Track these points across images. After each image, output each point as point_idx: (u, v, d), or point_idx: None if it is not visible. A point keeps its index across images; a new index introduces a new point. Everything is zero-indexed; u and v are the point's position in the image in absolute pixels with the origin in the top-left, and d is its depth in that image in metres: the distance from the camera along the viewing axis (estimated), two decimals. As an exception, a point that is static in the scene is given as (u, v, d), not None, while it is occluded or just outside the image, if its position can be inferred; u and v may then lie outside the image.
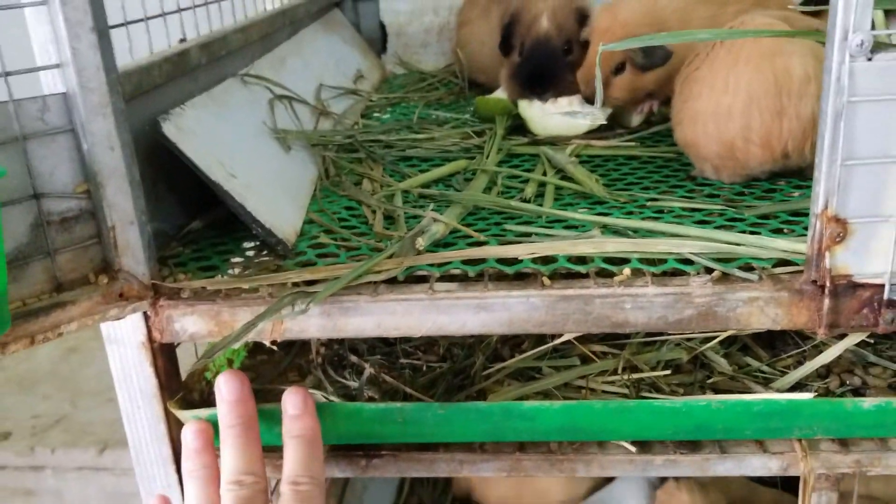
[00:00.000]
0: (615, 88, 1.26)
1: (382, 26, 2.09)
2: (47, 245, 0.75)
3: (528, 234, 0.93)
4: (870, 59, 0.69)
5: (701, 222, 0.94)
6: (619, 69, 1.25)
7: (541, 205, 1.06)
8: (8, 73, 0.70)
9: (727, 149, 1.02)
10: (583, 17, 1.44)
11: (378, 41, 2.10)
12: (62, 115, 0.74)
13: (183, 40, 1.09)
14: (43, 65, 0.73)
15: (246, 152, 1.02)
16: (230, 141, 0.99)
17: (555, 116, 1.36)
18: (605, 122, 1.17)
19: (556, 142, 1.34)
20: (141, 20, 0.97)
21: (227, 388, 0.81)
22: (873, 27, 0.69)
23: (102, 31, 0.74)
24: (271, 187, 1.01)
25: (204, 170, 0.86)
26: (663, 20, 1.23)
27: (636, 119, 1.36)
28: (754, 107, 0.99)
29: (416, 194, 1.13)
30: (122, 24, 0.91)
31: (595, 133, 1.35)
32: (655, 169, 1.18)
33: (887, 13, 0.76)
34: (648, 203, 1.01)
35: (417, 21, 2.07)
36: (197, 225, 1.01)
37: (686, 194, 1.05)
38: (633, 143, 1.29)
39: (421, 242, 0.88)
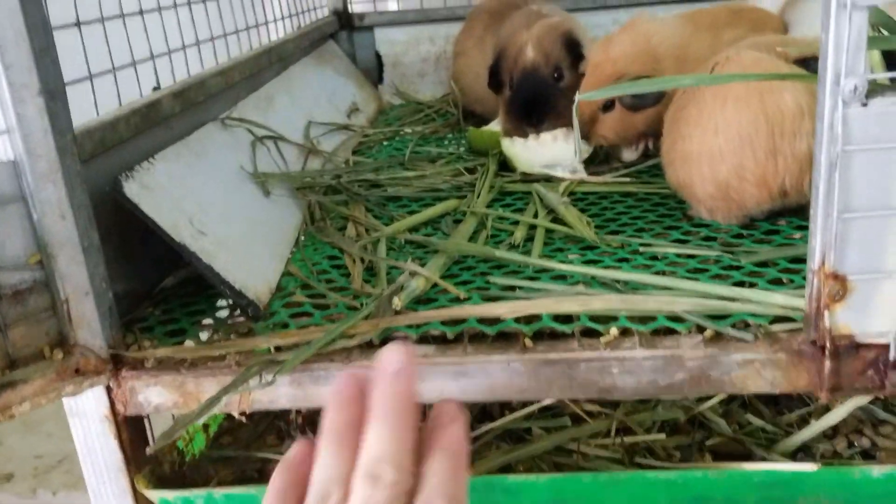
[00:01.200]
0: (604, 126, 1.22)
1: (378, 56, 2.06)
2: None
3: (513, 287, 0.88)
4: (865, 105, 0.64)
5: (696, 270, 0.89)
6: (609, 106, 1.21)
7: (530, 250, 1.01)
8: (-52, 144, 0.67)
9: (722, 190, 0.97)
10: (571, 43, 1.40)
11: (374, 71, 2.06)
12: (11, 182, 0.70)
13: (157, 88, 1.06)
14: (-12, 132, 0.69)
15: (221, 203, 0.98)
16: (203, 192, 0.96)
17: (540, 153, 1.31)
18: (584, 177, 1.11)
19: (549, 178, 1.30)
20: (108, 71, 0.94)
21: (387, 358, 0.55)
22: (869, 69, 0.64)
23: (53, 91, 0.71)
24: (247, 241, 0.97)
25: (168, 230, 0.82)
26: (657, 56, 1.18)
27: (631, 154, 1.31)
28: (747, 147, 0.94)
29: (402, 240, 1.09)
30: (84, 79, 0.88)
31: (589, 168, 1.30)
32: (650, 207, 1.13)
33: (885, 53, 0.71)
34: (641, 249, 0.96)
35: (414, 51, 2.04)
36: (170, 282, 0.97)
37: (681, 237, 1.00)
38: (627, 179, 1.24)
39: (398, 302, 0.84)
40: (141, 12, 1.03)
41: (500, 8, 1.70)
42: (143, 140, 0.95)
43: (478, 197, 1.23)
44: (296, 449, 0.56)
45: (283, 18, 1.70)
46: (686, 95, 1.01)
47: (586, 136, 1.23)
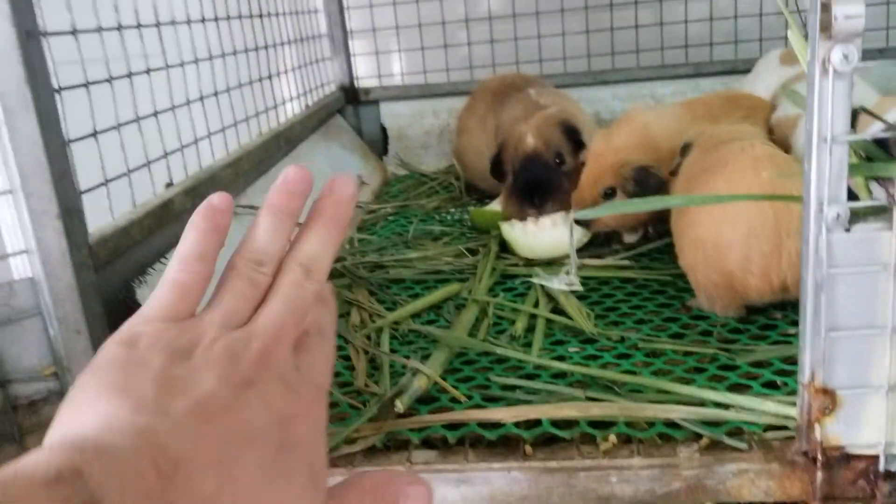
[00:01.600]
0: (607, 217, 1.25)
1: (384, 129, 2.11)
2: (13, 430, 0.73)
3: (513, 387, 0.91)
4: (848, 231, 0.67)
5: (693, 370, 0.92)
6: (610, 194, 1.24)
7: (530, 342, 1.04)
8: (-28, 266, 0.70)
9: (726, 278, 0.99)
10: (569, 130, 1.44)
11: (380, 143, 2.11)
12: (30, 298, 0.73)
13: (170, 184, 1.10)
14: (11, 248, 0.73)
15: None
16: (209, 292, 0.98)
17: (539, 237, 1.34)
18: (580, 289, 1.15)
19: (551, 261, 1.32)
20: (122, 175, 0.97)
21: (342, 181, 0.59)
22: (851, 196, 0.67)
23: (71, 209, 0.74)
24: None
25: None
26: (656, 145, 1.22)
27: (631, 237, 1.34)
28: (753, 241, 0.97)
29: (405, 329, 1.11)
30: (99, 185, 0.91)
31: (590, 250, 1.33)
32: (650, 295, 1.16)
33: (867, 178, 0.74)
34: (640, 344, 0.98)
35: (417, 124, 2.09)
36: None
37: (680, 329, 1.03)
38: (628, 263, 1.27)
39: (400, 405, 0.86)
40: (155, 114, 1.06)
41: (501, 88, 1.75)
42: (156, 239, 0.99)
43: (479, 281, 1.26)
44: (220, 198, 0.57)
45: (292, 99, 1.75)
46: (698, 175, 1.04)
47: (587, 223, 1.27)
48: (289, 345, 0.52)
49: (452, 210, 1.72)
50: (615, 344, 1.00)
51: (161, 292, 0.54)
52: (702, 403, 0.83)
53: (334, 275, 1.31)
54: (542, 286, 1.20)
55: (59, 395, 0.75)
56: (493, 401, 0.89)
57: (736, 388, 0.87)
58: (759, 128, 1.28)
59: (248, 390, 0.50)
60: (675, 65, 1.96)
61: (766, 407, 0.80)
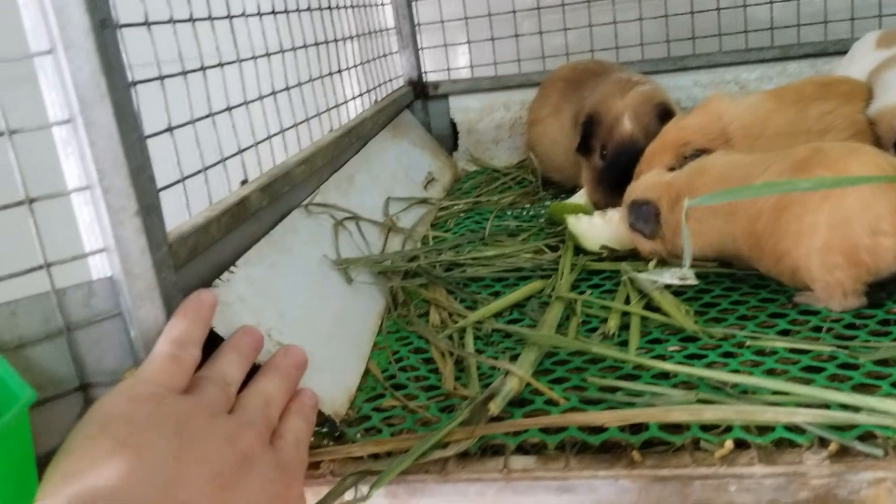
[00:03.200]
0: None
1: (453, 124, 2.06)
2: (95, 436, 0.70)
3: (612, 389, 0.84)
4: None
5: (809, 369, 0.84)
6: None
7: (625, 341, 0.97)
8: (50, 264, 0.67)
9: (850, 254, 0.91)
10: (665, 114, 1.37)
11: (449, 139, 2.06)
12: (109, 299, 0.70)
13: (245, 181, 1.07)
14: (89, 247, 0.70)
15: (303, 304, 0.97)
16: (286, 296, 0.95)
17: (606, 231, 1.27)
18: (694, 282, 1.05)
19: (635, 255, 1.26)
20: (199, 172, 0.94)
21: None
22: None
23: (149, 207, 0.71)
24: (327, 343, 0.96)
25: None
26: (726, 133, 1.16)
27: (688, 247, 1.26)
28: (881, 193, 0.90)
29: (489, 329, 1.06)
30: (176, 182, 0.88)
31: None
32: (750, 290, 1.08)
33: None
34: (748, 343, 0.91)
35: (488, 118, 2.03)
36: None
37: (788, 326, 0.95)
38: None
39: (493, 408, 0.80)
40: (229, 108, 1.03)
41: (576, 76, 1.69)
42: (234, 237, 0.95)
43: (561, 278, 1.20)
44: (207, 294, 0.74)
45: (360, 95, 1.71)
46: (786, 174, 0.97)
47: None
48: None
49: (528, 206, 1.66)
50: (719, 342, 0.93)
51: (160, 363, 0.66)
52: (826, 406, 0.75)
53: (410, 274, 1.26)
54: (632, 282, 1.13)
55: (141, 399, 0.72)
56: (591, 403, 0.83)
57: (861, 388, 0.79)
58: (860, 116, 1.19)
59: (251, 465, 0.62)
60: (759, 48, 1.86)
61: (903, 410, 0.72)
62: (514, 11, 1.99)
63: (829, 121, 1.15)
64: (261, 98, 1.14)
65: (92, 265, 0.71)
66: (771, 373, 0.84)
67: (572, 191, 1.67)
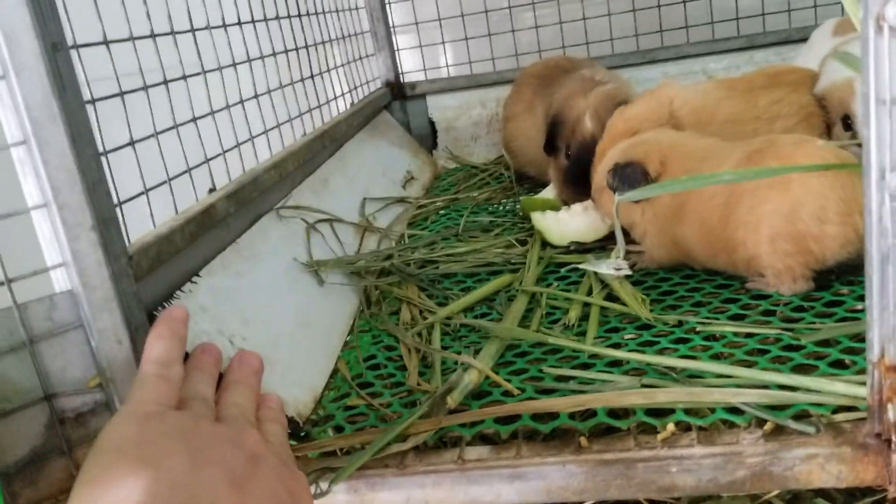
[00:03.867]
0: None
1: (432, 123, 2.09)
2: (63, 443, 0.73)
3: (567, 378, 0.87)
4: (914, 197, 0.62)
5: (755, 352, 0.87)
6: None
7: (584, 331, 1.00)
8: (11, 280, 0.70)
9: (798, 241, 0.94)
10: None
11: (429, 137, 2.10)
12: (71, 311, 0.73)
13: (213, 190, 1.10)
14: (50, 262, 0.73)
15: (269, 309, 1.00)
16: (250, 302, 0.98)
17: (571, 224, 1.31)
18: (629, 272, 1.09)
19: (603, 245, 1.29)
20: (163, 183, 0.97)
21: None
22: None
23: (107, 220, 0.74)
24: (293, 346, 0.99)
25: None
26: (677, 118, 1.18)
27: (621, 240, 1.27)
28: (828, 186, 0.93)
29: (457, 324, 1.09)
30: (140, 194, 0.91)
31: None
32: (708, 277, 1.11)
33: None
34: (698, 328, 0.94)
35: (465, 115, 2.06)
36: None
37: (740, 311, 0.98)
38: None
39: (451, 401, 0.84)
40: (194, 119, 1.06)
41: (547, 72, 1.71)
42: (201, 245, 0.98)
43: (528, 271, 1.23)
44: (178, 310, 0.77)
45: (337, 98, 1.74)
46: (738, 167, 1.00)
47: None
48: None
49: (504, 200, 1.69)
50: (672, 329, 0.96)
51: (153, 383, 0.69)
52: (765, 386, 0.78)
53: (383, 273, 1.30)
54: (596, 273, 1.16)
55: (106, 406, 0.75)
56: (546, 393, 0.86)
57: (801, 369, 0.82)
58: (807, 101, 1.21)
59: (260, 462, 0.65)
60: (726, 38, 1.88)
61: (835, 388, 0.75)
62: (486, 11, 2.02)
63: (777, 109, 1.18)
64: (227, 107, 1.17)
65: (54, 279, 0.74)
66: (718, 357, 0.87)
67: (547, 185, 1.71)
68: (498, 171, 1.90)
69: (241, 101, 1.22)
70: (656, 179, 1.04)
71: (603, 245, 1.29)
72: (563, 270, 1.23)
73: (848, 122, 1.14)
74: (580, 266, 1.15)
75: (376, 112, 1.96)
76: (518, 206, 1.59)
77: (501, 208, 1.64)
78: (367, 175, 1.66)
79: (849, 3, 0.72)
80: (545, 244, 1.34)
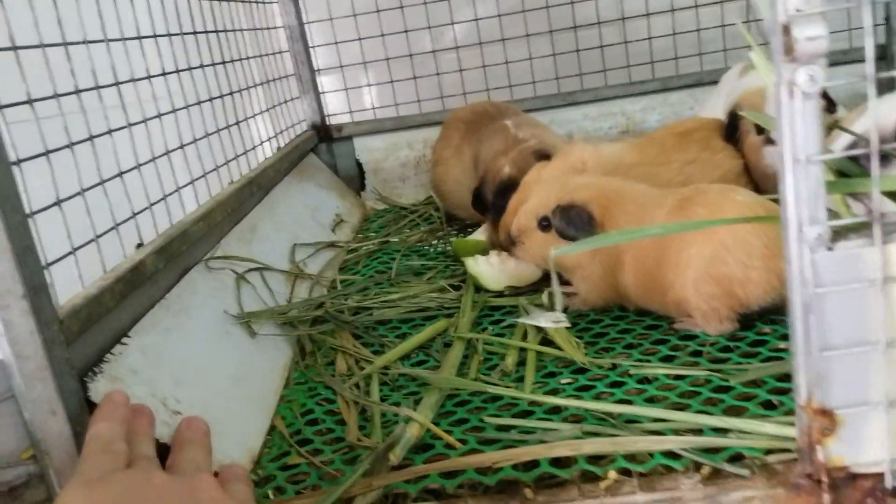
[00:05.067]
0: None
1: (359, 164, 2.10)
2: (-7, 520, 0.70)
3: (507, 427, 0.89)
4: (831, 249, 0.66)
5: (687, 394, 0.90)
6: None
7: (522, 377, 1.02)
8: (-63, 354, 0.67)
9: (724, 286, 0.98)
10: (542, 155, 1.45)
11: (356, 179, 2.10)
12: (2, 382, 0.70)
13: (140, 245, 1.07)
14: (-22, 332, 0.70)
15: (200, 367, 0.98)
16: (181, 362, 0.96)
17: (503, 269, 1.34)
18: (566, 324, 1.10)
19: (536, 288, 1.31)
20: (91, 241, 0.95)
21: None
22: (831, 215, 0.66)
23: (37, 286, 0.72)
24: (227, 404, 0.97)
25: None
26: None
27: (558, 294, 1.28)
28: (753, 232, 0.97)
29: (395, 374, 1.09)
30: (67, 255, 0.89)
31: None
32: (637, 318, 1.14)
33: (844, 195, 0.73)
34: (632, 371, 0.97)
35: (393, 156, 2.07)
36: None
37: (669, 352, 1.01)
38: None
39: (394, 457, 0.83)
40: (120, 174, 1.04)
41: (474, 118, 1.75)
42: (129, 303, 0.96)
43: (463, 316, 1.24)
44: (119, 394, 0.76)
45: (262, 143, 1.73)
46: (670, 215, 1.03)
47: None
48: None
49: (434, 242, 1.70)
50: (607, 372, 0.99)
51: (96, 455, 0.66)
52: (700, 430, 0.81)
53: (316, 321, 1.29)
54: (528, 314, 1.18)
55: (40, 478, 0.73)
56: (488, 443, 0.86)
57: (732, 410, 0.85)
58: (720, 159, 1.28)
59: None
60: (642, 81, 1.96)
61: (766, 429, 0.78)
62: (411, 55, 2.05)
63: (689, 171, 1.23)
64: (153, 159, 1.15)
65: (-17, 347, 0.71)
66: (652, 400, 0.90)
67: (477, 226, 1.73)
68: (427, 211, 1.92)
69: (167, 152, 1.20)
70: (600, 224, 1.07)
71: (536, 288, 1.32)
72: (497, 314, 1.25)
73: (761, 128, 1.21)
74: (519, 320, 1.16)
75: (303, 156, 1.95)
76: (450, 248, 1.61)
77: (432, 250, 1.65)
78: (296, 220, 1.66)
79: (761, 64, 0.76)
80: (478, 288, 1.35)
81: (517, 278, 1.33)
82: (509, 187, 1.40)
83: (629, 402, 0.89)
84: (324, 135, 2.08)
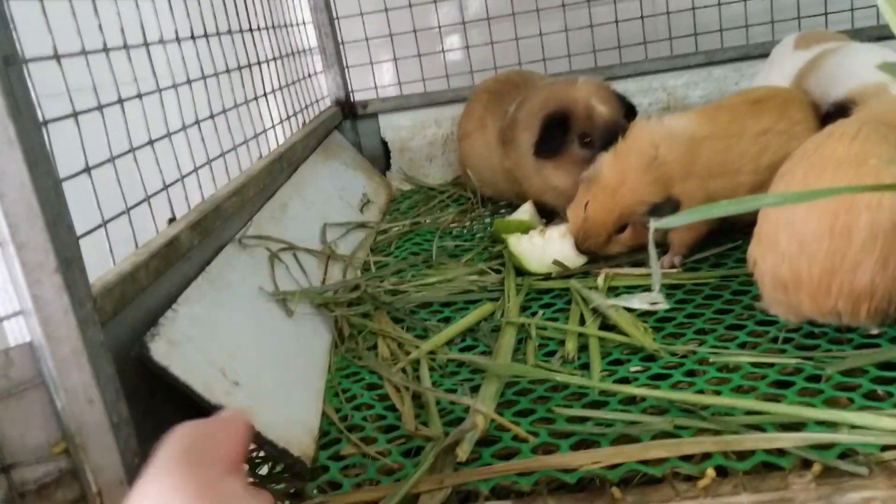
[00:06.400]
0: (616, 245, 1.19)
1: (384, 143, 2.01)
2: (22, 522, 0.62)
3: (582, 419, 0.81)
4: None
5: (778, 384, 0.82)
6: (622, 229, 1.17)
7: (586, 364, 0.94)
8: (-40, 334, 0.59)
9: (782, 287, 0.89)
10: (621, 99, 1.40)
11: (381, 159, 2.01)
12: (30, 366, 0.63)
13: (172, 219, 0.99)
14: (3, 310, 0.62)
15: (250, 339, 0.91)
16: (231, 331, 0.88)
17: (547, 250, 1.25)
18: (665, 305, 1.03)
19: (586, 271, 1.23)
20: (122, 213, 0.87)
21: None
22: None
23: (70, 260, 0.63)
24: (281, 380, 0.90)
25: (202, 393, 0.74)
26: (664, 171, 1.14)
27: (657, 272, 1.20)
28: (804, 259, 0.84)
29: (443, 359, 1.01)
30: (97, 227, 0.81)
31: (622, 259, 1.25)
32: (704, 301, 1.06)
33: None
34: (711, 359, 0.89)
35: (420, 135, 1.99)
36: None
37: (748, 338, 0.93)
38: (674, 270, 1.17)
39: (462, 453, 0.75)
40: (151, 142, 0.96)
41: (498, 87, 1.66)
42: (165, 281, 0.88)
43: (509, 301, 1.16)
44: None
45: (282, 120, 1.64)
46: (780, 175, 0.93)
47: (594, 253, 1.21)
48: None
49: (467, 224, 1.62)
50: (681, 360, 0.91)
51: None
52: (802, 423, 0.73)
53: (353, 303, 1.21)
54: (583, 299, 1.10)
55: (73, 474, 0.65)
56: (561, 436, 0.78)
57: (833, 402, 0.77)
58: (796, 127, 1.17)
59: None
60: (684, 55, 1.87)
61: (882, 423, 0.70)
62: (440, 27, 1.96)
63: (764, 142, 1.14)
64: (184, 128, 1.07)
65: (8, 330, 0.63)
66: (739, 390, 0.82)
67: (509, 205, 1.65)
68: (457, 192, 1.83)
69: (198, 122, 1.12)
70: None
71: (586, 272, 1.24)
72: (546, 298, 1.16)
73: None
74: (609, 301, 1.06)
75: (328, 133, 1.86)
76: (486, 230, 1.53)
77: (466, 232, 1.56)
78: (325, 199, 1.57)
79: (889, 11, 0.67)
80: (520, 271, 1.27)
81: (563, 260, 1.25)
82: (613, 130, 1.29)
83: (716, 393, 0.81)
84: (348, 112, 1.99)
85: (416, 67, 1.98)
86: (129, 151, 0.91)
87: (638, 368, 0.91)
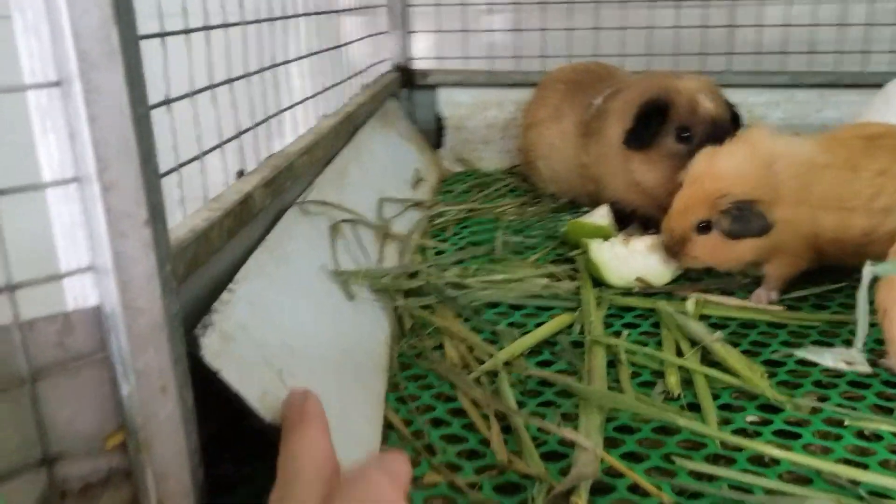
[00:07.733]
0: (696, 247, 1.07)
1: (438, 118, 1.87)
2: (57, 528, 0.50)
3: (710, 477, 0.69)
4: None
5: (936, 464, 0.70)
6: (704, 228, 1.05)
7: (691, 403, 0.82)
8: (14, 287, 0.46)
9: None
10: (728, 103, 1.29)
11: (433, 133, 1.87)
12: (92, 337, 0.50)
13: (242, 172, 0.87)
14: (67, 264, 0.49)
15: (306, 332, 0.78)
16: (288, 319, 0.75)
17: (630, 263, 1.14)
18: (867, 369, 0.87)
19: (670, 291, 1.11)
20: (196, 157, 0.74)
21: None
22: None
23: (157, 210, 0.51)
24: (341, 383, 0.77)
25: (257, 407, 0.60)
26: (774, 181, 1.01)
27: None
28: None
29: (522, 374, 0.89)
30: (172, 170, 0.68)
31: (706, 281, 1.13)
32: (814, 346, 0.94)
33: None
34: (847, 422, 0.77)
35: (480, 115, 1.85)
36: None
37: (878, 400, 0.81)
38: (778, 308, 1.05)
39: (578, 502, 0.63)
40: (230, 80, 0.83)
41: (578, 77, 1.53)
42: (234, 245, 0.76)
43: (590, 316, 1.03)
44: None
45: (355, 75, 1.50)
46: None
47: (676, 254, 1.09)
48: None
49: (531, 219, 1.48)
50: (809, 417, 0.79)
51: None
52: None
53: (412, 292, 1.08)
54: (679, 328, 0.98)
55: (126, 475, 0.52)
56: (690, 496, 0.66)
57: None
58: None
59: None
60: (771, 72, 1.74)
61: None
62: (517, 2, 1.82)
63: (880, 183, 1.01)
64: (273, 66, 0.94)
65: (69, 289, 0.51)
66: (886, 465, 0.70)
67: (572, 203, 1.53)
68: (513, 182, 1.70)
69: (290, 60, 0.99)
70: None
71: (671, 291, 1.12)
72: (627, 317, 1.05)
73: None
74: (797, 353, 0.92)
75: (384, 99, 1.73)
76: (551, 228, 1.40)
77: (530, 228, 1.44)
78: (381, 169, 1.44)
79: None
80: (595, 281, 1.15)
81: (647, 276, 1.13)
82: (720, 127, 1.20)
83: (862, 466, 0.69)
84: (406, 79, 1.85)
85: (485, 43, 1.84)
86: (207, 88, 0.78)
87: (755, 419, 0.79)
